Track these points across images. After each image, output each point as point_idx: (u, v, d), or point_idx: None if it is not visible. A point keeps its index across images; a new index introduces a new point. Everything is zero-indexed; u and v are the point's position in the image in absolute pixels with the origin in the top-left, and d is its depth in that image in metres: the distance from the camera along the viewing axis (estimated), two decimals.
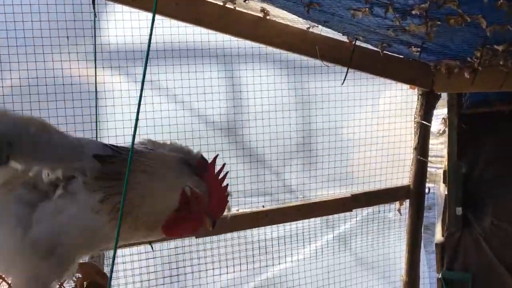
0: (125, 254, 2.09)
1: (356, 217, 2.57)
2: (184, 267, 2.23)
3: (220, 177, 1.11)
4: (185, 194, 1.07)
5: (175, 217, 1.08)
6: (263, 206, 2.31)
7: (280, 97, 2.29)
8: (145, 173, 1.07)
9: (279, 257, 2.42)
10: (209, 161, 1.13)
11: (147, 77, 2.11)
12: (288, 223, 2.39)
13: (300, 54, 2.22)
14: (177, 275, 2.24)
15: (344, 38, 2.18)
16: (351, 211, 2.48)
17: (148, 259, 2.13)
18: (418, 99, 2.52)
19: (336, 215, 2.49)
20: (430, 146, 2.58)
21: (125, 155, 1.10)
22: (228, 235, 2.26)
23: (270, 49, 2.21)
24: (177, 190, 1.07)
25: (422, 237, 2.68)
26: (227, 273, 2.30)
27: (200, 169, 1.11)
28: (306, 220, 2.42)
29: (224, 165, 1.11)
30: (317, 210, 2.41)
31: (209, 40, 2.15)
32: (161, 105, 2.13)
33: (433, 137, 2.63)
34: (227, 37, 2.14)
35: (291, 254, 2.46)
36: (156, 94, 2.14)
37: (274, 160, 2.33)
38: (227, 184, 1.09)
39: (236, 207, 2.27)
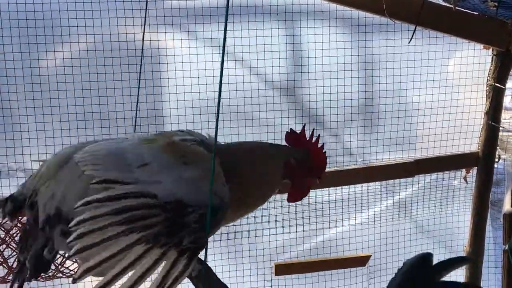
0: None
1: (419, 183, 2.48)
2: (240, 224, 2.26)
3: (313, 140, 1.24)
4: (290, 165, 1.20)
5: (292, 186, 1.24)
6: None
7: (342, 56, 2.21)
8: (248, 163, 1.17)
9: (336, 220, 2.39)
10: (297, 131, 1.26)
11: (207, 35, 2.12)
12: (347, 187, 2.34)
13: (364, 11, 2.12)
14: (234, 232, 2.28)
15: None
16: (413, 176, 2.39)
17: None
18: (492, 60, 2.34)
19: (397, 180, 2.41)
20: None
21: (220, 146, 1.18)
22: (285, 195, 2.26)
23: (333, 5, 2.12)
24: (279, 168, 1.20)
25: (489, 212, 2.55)
26: (283, 233, 2.32)
27: (290, 140, 1.25)
28: (365, 184, 2.37)
29: (313, 130, 1.26)
30: (377, 174, 2.34)
31: None
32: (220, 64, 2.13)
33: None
34: None
35: (348, 218, 2.42)
36: (216, 52, 2.14)
37: (334, 122, 2.27)
38: (323, 143, 1.22)
39: None
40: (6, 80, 2.01)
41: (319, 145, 1.24)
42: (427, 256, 0.92)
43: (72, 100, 2.05)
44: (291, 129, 1.27)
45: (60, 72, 2.04)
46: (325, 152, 1.24)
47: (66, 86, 2.04)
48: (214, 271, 1.10)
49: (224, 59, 2.15)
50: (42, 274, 1.82)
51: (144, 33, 1.78)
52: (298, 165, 1.21)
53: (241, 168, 1.16)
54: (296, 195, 1.27)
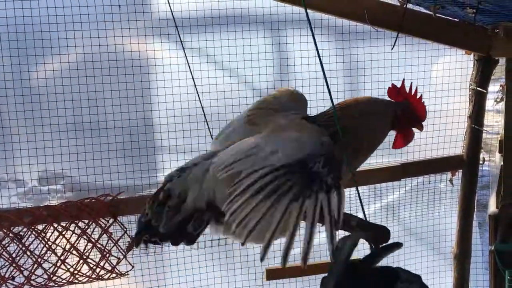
0: None
1: (405, 187, 2.52)
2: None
3: (413, 93, 1.41)
4: (396, 116, 1.37)
5: (399, 135, 1.42)
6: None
7: (328, 63, 2.26)
8: (362, 118, 1.34)
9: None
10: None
11: (195, 44, 2.17)
12: None
13: (348, 19, 2.18)
14: (224, 238, 2.30)
15: (395, 1, 2.11)
16: (400, 180, 2.43)
17: None
18: (474, 65, 2.40)
19: (384, 184, 2.46)
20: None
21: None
22: None
23: (317, 14, 2.17)
24: (387, 121, 1.38)
25: (477, 215, 2.60)
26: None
27: (392, 94, 1.44)
28: (353, 188, 2.41)
29: (412, 83, 1.43)
30: (364, 178, 2.38)
31: (256, 7, 2.15)
32: (208, 72, 2.18)
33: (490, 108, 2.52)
34: (274, 3, 2.14)
35: None
36: (204, 61, 2.18)
37: None
38: (421, 94, 1.40)
39: None
40: None
41: (418, 96, 1.41)
42: (357, 241, 1.04)
43: (64, 111, 2.08)
44: (392, 84, 1.45)
45: (51, 84, 2.06)
46: (423, 101, 1.40)
47: (57, 97, 2.07)
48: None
49: (212, 68, 2.20)
50: (33, 283, 1.84)
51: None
52: (403, 116, 1.39)
53: (354, 125, 1.32)
54: (402, 142, 1.43)
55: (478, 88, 2.40)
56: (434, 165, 2.50)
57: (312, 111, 2.29)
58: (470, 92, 2.44)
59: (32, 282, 1.87)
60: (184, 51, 1.92)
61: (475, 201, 2.58)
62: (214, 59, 2.18)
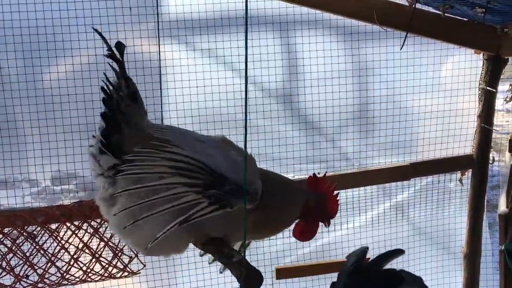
0: None
1: (415, 186, 2.53)
2: None
3: (331, 188, 1.40)
4: (308, 205, 1.35)
5: (303, 225, 1.38)
6: (318, 173, 2.32)
7: (337, 63, 2.27)
8: (278, 196, 1.33)
9: (334, 224, 2.43)
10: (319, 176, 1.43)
11: (204, 45, 2.19)
12: (344, 191, 2.39)
13: (357, 20, 2.19)
14: None
15: (403, 1, 2.11)
16: (409, 180, 2.44)
17: None
18: (483, 64, 2.40)
19: (393, 184, 2.46)
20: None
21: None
22: None
23: (326, 15, 2.19)
24: (300, 204, 1.35)
25: (487, 215, 2.59)
26: (283, 237, 2.36)
27: (310, 183, 1.41)
28: (362, 188, 2.42)
29: (331, 181, 1.42)
30: (373, 178, 2.39)
31: (265, 8, 2.16)
32: (218, 73, 2.20)
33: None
34: (283, 4, 2.15)
35: (347, 221, 2.47)
36: (214, 62, 2.20)
37: (330, 128, 2.33)
38: (338, 192, 1.38)
39: (292, 173, 2.31)
40: (11, 94, 2.06)
41: (334, 193, 1.39)
42: (366, 250, 1.11)
43: (75, 112, 2.10)
44: (314, 173, 1.43)
45: (62, 85, 2.09)
46: (338, 199, 1.40)
47: (69, 99, 2.10)
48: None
49: (222, 69, 2.22)
50: (47, 282, 1.87)
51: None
52: (314, 207, 1.36)
53: (271, 194, 1.29)
54: (306, 234, 1.40)
55: (488, 88, 2.39)
56: (444, 165, 2.50)
57: (321, 111, 2.31)
58: (480, 92, 2.44)
59: (45, 280, 1.90)
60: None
61: (485, 201, 2.57)
62: (223, 60, 2.20)
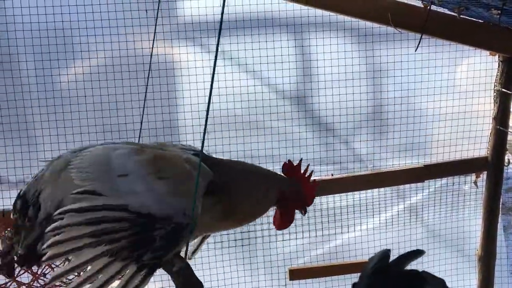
0: None
1: (429, 188, 2.52)
2: (254, 231, 2.32)
3: (307, 174, 1.35)
4: (283, 193, 1.30)
5: (280, 212, 1.34)
6: (332, 175, 2.33)
7: (351, 65, 2.28)
8: (243, 180, 1.27)
9: (347, 225, 2.44)
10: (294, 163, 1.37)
11: (219, 47, 2.20)
12: (358, 192, 2.39)
13: (371, 21, 2.19)
14: (248, 238, 2.34)
15: (418, 3, 2.11)
16: (423, 181, 2.43)
17: None
18: (499, 66, 2.38)
19: (407, 186, 2.45)
20: None
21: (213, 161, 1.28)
22: None
23: (340, 17, 2.19)
24: (273, 192, 1.30)
25: (501, 218, 2.57)
26: (296, 238, 2.37)
27: (286, 170, 1.35)
28: (376, 190, 2.42)
29: (308, 165, 1.37)
30: (387, 180, 2.39)
31: (279, 10, 2.18)
32: (232, 75, 2.21)
33: None
34: (297, 6, 2.16)
35: (360, 223, 2.47)
36: (228, 64, 2.22)
37: (344, 129, 2.33)
38: (315, 179, 1.35)
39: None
40: (29, 95, 2.10)
41: (311, 180, 1.34)
42: (388, 252, 1.08)
43: (89, 113, 2.13)
44: (289, 160, 1.37)
45: (77, 87, 2.12)
46: (315, 186, 1.35)
47: (84, 100, 2.13)
48: (193, 270, 1.17)
49: (236, 71, 2.24)
50: (64, 280, 1.90)
51: (152, 47, 1.85)
52: (289, 195, 1.31)
53: (235, 184, 1.24)
54: (283, 222, 1.36)
55: (503, 90, 2.37)
56: (458, 167, 2.49)
57: (335, 112, 2.32)
58: (495, 94, 2.42)
59: (63, 278, 1.93)
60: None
61: (500, 203, 2.55)
62: (238, 62, 2.21)
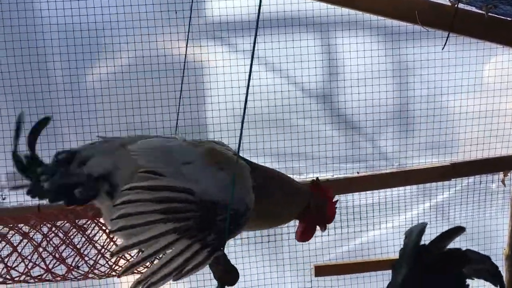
0: None
1: (456, 187, 2.51)
2: (281, 227, 2.35)
3: (332, 195, 1.38)
4: (309, 207, 1.33)
5: (303, 226, 1.36)
6: (358, 173, 2.35)
7: (377, 64, 2.29)
8: (280, 188, 1.30)
9: (373, 223, 2.45)
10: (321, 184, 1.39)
11: (246, 47, 2.24)
12: (383, 190, 2.40)
13: (397, 20, 2.19)
14: (274, 235, 2.37)
15: (445, 1, 2.11)
16: (450, 180, 2.42)
17: None
18: None
19: (433, 184, 2.45)
20: None
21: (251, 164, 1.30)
22: None
23: (366, 15, 2.20)
24: (301, 203, 1.33)
25: None
26: (321, 235, 2.38)
27: (313, 188, 1.38)
28: (402, 188, 2.42)
29: (331, 188, 1.40)
30: (413, 178, 2.39)
31: (306, 9, 2.20)
32: (259, 74, 2.25)
33: None
34: (323, 5, 2.18)
35: (386, 221, 2.48)
36: (255, 63, 2.25)
37: (370, 127, 2.34)
38: (337, 200, 1.37)
39: (331, 172, 2.34)
40: (57, 94, 2.16)
41: (334, 199, 1.38)
42: (425, 226, 1.07)
43: (117, 112, 2.19)
44: (317, 177, 1.41)
45: (106, 86, 2.18)
46: (336, 207, 1.39)
47: (113, 99, 2.18)
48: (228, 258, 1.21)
49: (263, 70, 2.27)
50: (96, 272, 1.96)
51: (186, 47, 1.89)
52: (313, 209, 1.34)
53: (269, 188, 1.27)
54: (305, 235, 1.39)
55: None
56: (486, 165, 2.47)
57: (360, 111, 2.34)
58: None
59: (95, 271, 2.00)
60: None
61: None
62: (265, 61, 2.25)
